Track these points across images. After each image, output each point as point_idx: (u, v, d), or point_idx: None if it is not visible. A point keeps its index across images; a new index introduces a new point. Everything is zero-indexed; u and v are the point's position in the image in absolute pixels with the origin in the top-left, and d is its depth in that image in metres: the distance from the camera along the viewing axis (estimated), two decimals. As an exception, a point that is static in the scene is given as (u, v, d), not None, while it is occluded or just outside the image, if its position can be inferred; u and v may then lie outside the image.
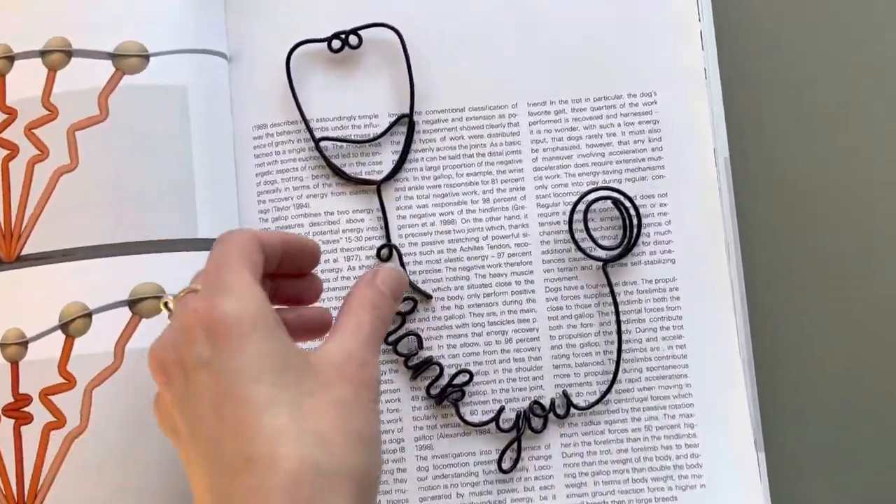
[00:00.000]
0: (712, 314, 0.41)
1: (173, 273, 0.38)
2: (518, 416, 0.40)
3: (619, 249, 0.40)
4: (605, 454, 0.40)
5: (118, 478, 0.37)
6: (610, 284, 0.40)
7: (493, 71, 0.42)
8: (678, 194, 0.41)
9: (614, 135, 0.42)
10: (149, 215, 0.39)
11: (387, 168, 0.41)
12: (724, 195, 0.41)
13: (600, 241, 0.40)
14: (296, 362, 0.29)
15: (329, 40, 0.42)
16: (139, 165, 0.39)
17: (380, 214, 0.41)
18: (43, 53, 0.40)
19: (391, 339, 0.40)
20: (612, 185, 0.41)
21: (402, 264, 0.41)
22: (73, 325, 0.38)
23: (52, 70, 0.40)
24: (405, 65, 0.41)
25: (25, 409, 0.38)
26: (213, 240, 0.34)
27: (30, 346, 0.38)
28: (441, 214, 0.41)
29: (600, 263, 0.40)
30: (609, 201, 0.41)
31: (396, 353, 0.40)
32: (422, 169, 0.42)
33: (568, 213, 0.41)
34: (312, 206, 0.41)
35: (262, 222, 0.41)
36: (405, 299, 0.40)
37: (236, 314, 0.29)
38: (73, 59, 0.40)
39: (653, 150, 0.41)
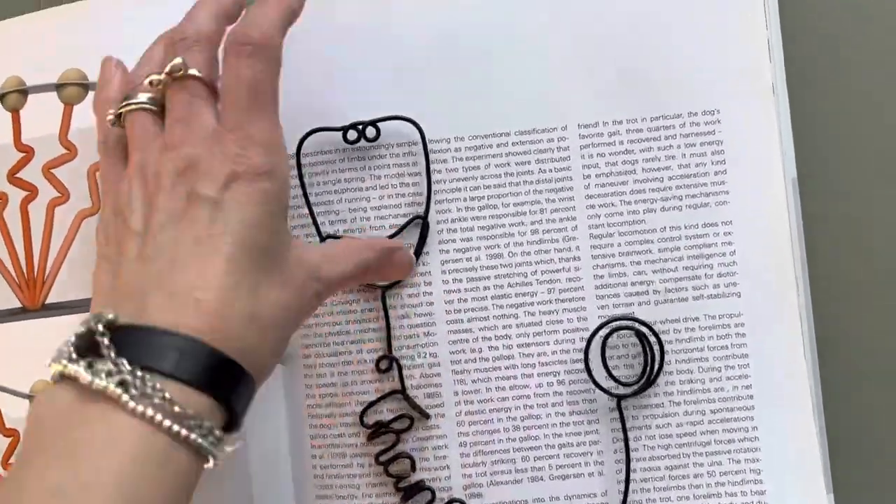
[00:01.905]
0: (780, 350, 0.38)
1: None
2: None
3: (641, 383, 0.37)
4: (664, 501, 0.38)
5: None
6: (623, 424, 0.37)
7: (540, 90, 0.39)
8: (744, 221, 0.38)
9: (673, 157, 0.38)
10: None
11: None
12: (793, 221, 0.38)
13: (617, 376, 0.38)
14: (281, 253, 0.30)
15: (345, 130, 0.38)
16: None
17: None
18: (58, 87, 0.38)
19: (382, 458, 0.38)
20: (671, 210, 0.38)
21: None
22: None
23: (69, 105, 0.38)
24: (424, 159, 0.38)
25: None
26: None
27: None
28: (486, 248, 0.39)
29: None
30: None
31: (388, 474, 0.38)
32: (465, 199, 0.39)
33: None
34: None
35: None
36: (401, 417, 0.38)
37: (273, 181, 0.30)
38: (91, 93, 0.37)
39: (716, 173, 0.38)
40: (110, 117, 0.32)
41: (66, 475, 0.25)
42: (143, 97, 0.31)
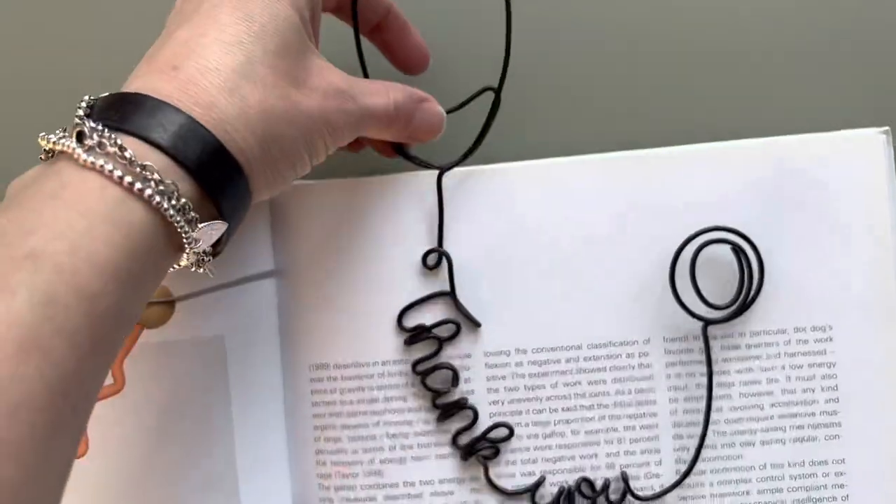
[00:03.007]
0: None
1: None
2: (560, 493, 0.32)
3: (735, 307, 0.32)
4: None
5: None
6: (708, 354, 0.32)
7: (622, 299, 0.32)
8: (859, 460, 0.32)
9: (777, 380, 0.32)
10: None
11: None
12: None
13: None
14: (299, 44, 0.27)
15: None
16: (162, 454, 0.30)
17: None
18: None
19: (420, 368, 0.32)
20: (773, 443, 0.32)
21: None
22: None
23: None
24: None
25: None
26: None
27: None
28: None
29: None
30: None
31: (425, 386, 0.32)
32: (528, 424, 0.32)
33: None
34: (387, 475, 0.32)
35: (323, 491, 0.32)
36: (446, 322, 0.32)
37: None
38: None
39: (826, 401, 0.32)
40: None
41: (9, 223, 0.23)
42: None
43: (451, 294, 0.32)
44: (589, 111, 0.35)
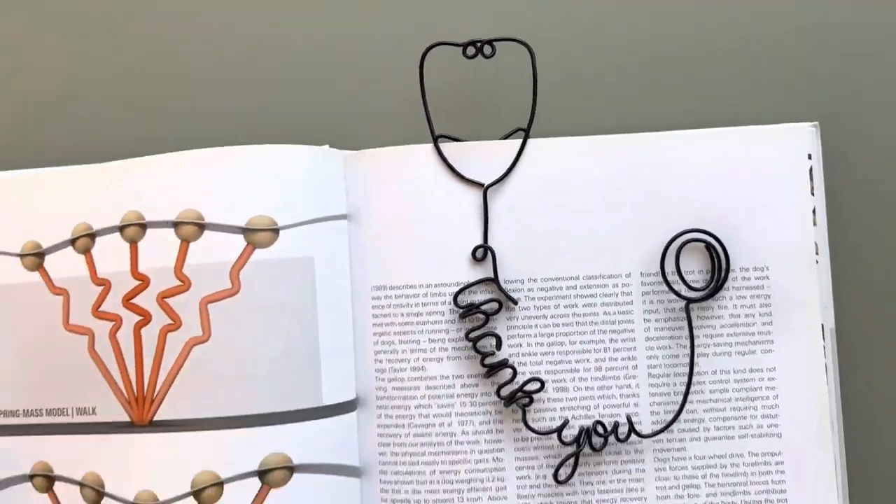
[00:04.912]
0: (817, 487, 0.42)
1: (301, 443, 0.40)
2: (580, 432, 0.42)
3: (709, 289, 0.42)
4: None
5: None
6: (690, 323, 0.42)
7: (608, 241, 0.43)
8: (787, 368, 0.42)
9: (725, 307, 0.42)
10: (278, 387, 0.40)
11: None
12: (830, 368, 0.42)
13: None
14: None
15: (465, 46, 0.42)
16: (269, 338, 0.40)
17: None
18: (176, 224, 0.41)
19: (473, 335, 0.42)
20: (722, 356, 0.42)
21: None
22: (206, 493, 0.40)
23: (185, 241, 0.41)
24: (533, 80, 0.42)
25: None
26: (338, 405, 0.39)
27: None
28: (553, 382, 0.42)
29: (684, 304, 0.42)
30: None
31: (476, 349, 0.42)
32: (536, 335, 0.43)
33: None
34: (429, 370, 0.42)
35: (379, 381, 0.42)
36: (490, 301, 0.42)
37: None
38: (206, 232, 0.41)
39: (763, 324, 0.42)
40: None
41: None
42: None
43: (494, 280, 0.42)
44: (597, 98, 0.46)
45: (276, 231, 0.41)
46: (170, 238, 0.41)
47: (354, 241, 0.43)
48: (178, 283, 0.40)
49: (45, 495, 0.43)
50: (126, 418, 0.41)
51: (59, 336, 0.42)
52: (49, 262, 0.43)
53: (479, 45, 0.42)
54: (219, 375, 0.40)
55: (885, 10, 0.46)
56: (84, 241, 0.42)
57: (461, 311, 0.42)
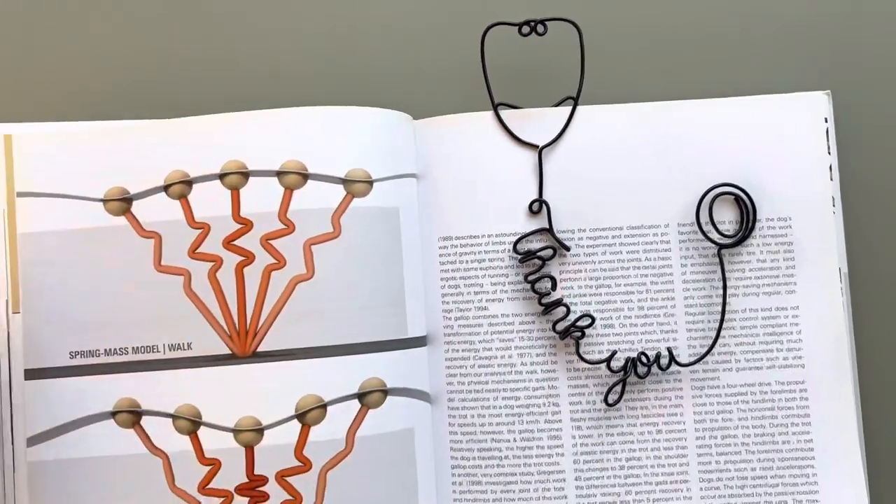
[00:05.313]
0: (836, 412, 0.47)
1: (392, 368, 0.46)
2: (626, 362, 0.47)
3: (739, 236, 0.48)
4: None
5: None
6: (722, 266, 0.47)
7: (649, 195, 0.48)
8: (808, 307, 0.48)
9: (753, 253, 0.48)
10: (372, 319, 0.46)
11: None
12: (845, 306, 0.48)
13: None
14: None
15: (520, 25, 0.48)
16: (364, 276, 0.46)
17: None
18: (280, 174, 0.46)
19: (531, 277, 0.47)
20: (750, 296, 0.48)
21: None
22: (310, 414, 0.45)
23: (289, 189, 0.46)
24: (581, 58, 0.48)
25: (261, 488, 0.45)
26: (417, 338, 0.44)
27: (265, 432, 0.45)
28: (601, 319, 0.48)
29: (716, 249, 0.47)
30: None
31: (534, 290, 0.47)
32: (586, 279, 0.48)
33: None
34: (491, 309, 0.48)
35: (446, 320, 0.48)
36: (545, 248, 0.47)
37: None
38: (309, 182, 0.46)
39: (787, 268, 0.48)
40: None
41: None
42: None
43: (549, 230, 0.48)
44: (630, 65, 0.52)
45: (370, 183, 0.46)
46: (273, 186, 0.45)
47: (423, 197, 0.48)
48: (283, 226, 0.45)
49: (131, 430, 0.45)
50: (226, 351, 0.45)
51: (149, 277, 0.46)
52: (137, 207, 0.46)
53: (533, 24, 0.48)
54: (321, 309, 0.45)
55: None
56: (179, 187, 0.46)
57: (520, 257, 0.48)
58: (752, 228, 0.48)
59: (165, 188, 0.46)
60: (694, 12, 0.52)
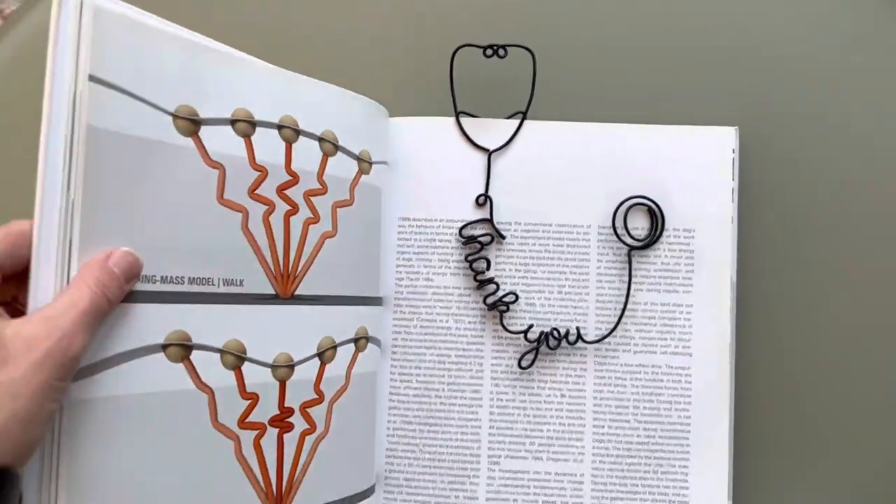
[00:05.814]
0: (713, 393, 0.56)
1: (371, 320, 0.55)
2: (541, 335, 0.56)
3: (648, 240, 0.57)
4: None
5: (353, 467, 0.54)
6: (630, 265, 0.56)
7: (575, 200, 0.58)
8: (700, 306, 0.57)
9: (659, 256, 0.57)
10: (364, 278, 0.55)
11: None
12: (731, 307, 0.57)
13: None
14: None
15: (484, 48, 0.57)
16: (364, 241, 0.55)
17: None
18: (321, 140, 0.51)
19: (470, 258, 0.57)
20: (653, 291, 0.57)
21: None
22: (327, 353, 0.51)
23: (325, 155, 0.51)
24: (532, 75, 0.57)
25: (288, 419, 0.48)
26: (380, 298, 0.54)
27: (295, 368, 0.49)
28: (525, 297, 0.57)
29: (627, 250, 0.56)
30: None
31: (471, 268, 0.57)
32: (516, 265, 0.57)
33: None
34: (436, 281, 0.58)
35: (398, 286, 0.58)
36: (485, 234, 0.57)
37: None
38: (339, 153, 0.52)
39: (686, 271, 0.57)
40: None
41: None
42: None
43: (490, 220, 0.57)
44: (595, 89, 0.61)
45: (370, 163, 0.55)
46: (315, 149, 0.50)
47: (389, 182, 0.58)
48: (319, 186, 0.50)
49: (181, 364, 0.43)
50: (272, 291, 0.47)
51: (212, 208, 0.44)
52: (205, 132, 0.44)
53: (495, 48, 0.58)
54: (337, 264, 0.52)
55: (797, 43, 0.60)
56: (245, 125, 0.46)
57: (464, 240, 0.57)
58: (660, 235, 0.57)
59: (232, 122, 0.45)
60: (638, 47, 0.61)
